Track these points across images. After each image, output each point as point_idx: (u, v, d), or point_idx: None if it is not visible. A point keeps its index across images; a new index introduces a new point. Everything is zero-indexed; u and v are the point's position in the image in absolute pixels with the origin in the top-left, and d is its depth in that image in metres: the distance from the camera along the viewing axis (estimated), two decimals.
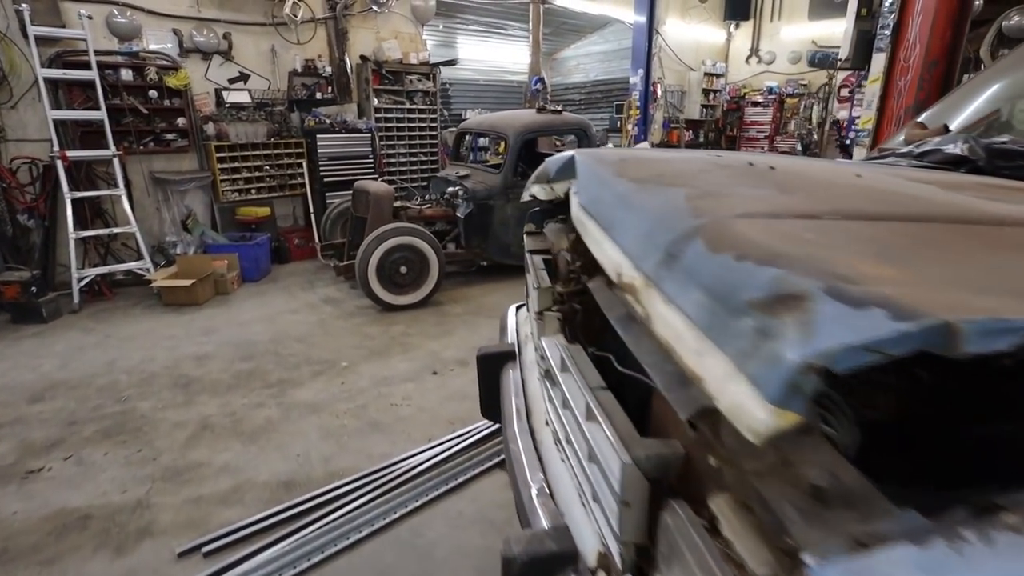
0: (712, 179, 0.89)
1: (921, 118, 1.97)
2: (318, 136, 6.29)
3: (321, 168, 6.38)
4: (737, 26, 10.77)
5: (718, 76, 10.80)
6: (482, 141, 8.32)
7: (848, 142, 5.05)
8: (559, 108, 5.56)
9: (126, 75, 5.30)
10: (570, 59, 12.54)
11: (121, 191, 5.12)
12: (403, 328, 4.45)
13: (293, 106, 6.44)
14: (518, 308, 2.22)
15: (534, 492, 1.07)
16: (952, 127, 1.89)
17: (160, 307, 4.92)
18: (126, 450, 2.85)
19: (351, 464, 2.73)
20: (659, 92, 9.29)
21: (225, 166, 5.89)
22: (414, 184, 7.00)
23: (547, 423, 1.36)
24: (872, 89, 3.04)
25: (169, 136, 5.66)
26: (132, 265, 5.26)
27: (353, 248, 5.23)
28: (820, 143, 9.34)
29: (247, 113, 6.03)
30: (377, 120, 6.88)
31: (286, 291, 5.38)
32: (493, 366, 1.70)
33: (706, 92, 10.75)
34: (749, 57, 10.70)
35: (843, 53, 3.26)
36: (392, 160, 7.22)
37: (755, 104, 10.54)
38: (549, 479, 1.13)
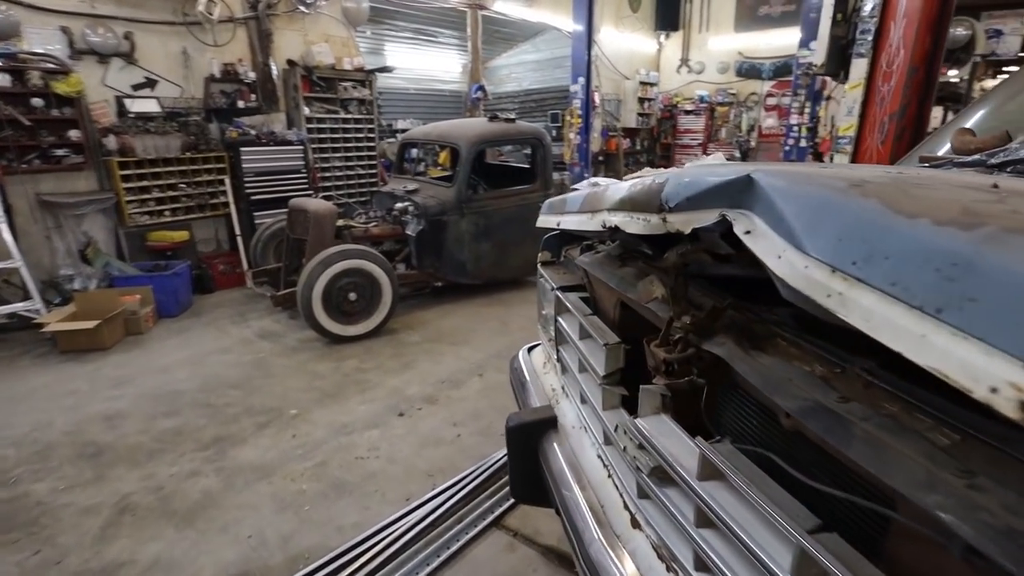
0: None
1: (963, 125, 1.83)
2: (242, 149, 5.63)
3: (247, 185, 5.72)
4: (667, 36, 11.00)
5: (651, 85, 10.96)
6: (414, 152, 7.91)
7: (821, 152, 5.11)
8: (512, 116, 5.26)
9: (2, 80, 4.46)
10: (502, 68, 12.34)
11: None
12: (356, 363, 3.96)
13: (211, 116, 5.75)
14: (531, 350, 1.88)
15: None
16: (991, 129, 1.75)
17: (56, 356, 4.12)
18: (17, 553, 2.22)
19: (317, 542, 2.26)
20: (597, 100, 9.25)
21: (132, 185, 5.12)
22: (353, 200, 6.46)
23: (638, 526, 1.02)
24: (853, 95, 2.98)
25: (59, 152, 4.83)
26: (17, 307, 4.40)
27: (291, 274, 4.67)
28: (755, 150, 9.67)
29: (157, 124, 5.29)
30: (309, 131, 6.30)
31: (214, 326, 4.71)
32: (529, 438, 1.34)
33: (641, 100, 10.88)
34: (680, 67, 10.94)
35: (817, 59, 3.19)
36: (327, 175, 6.65)
37: (687, 112, 10.79)
38: None
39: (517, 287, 5.60)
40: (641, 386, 0.97)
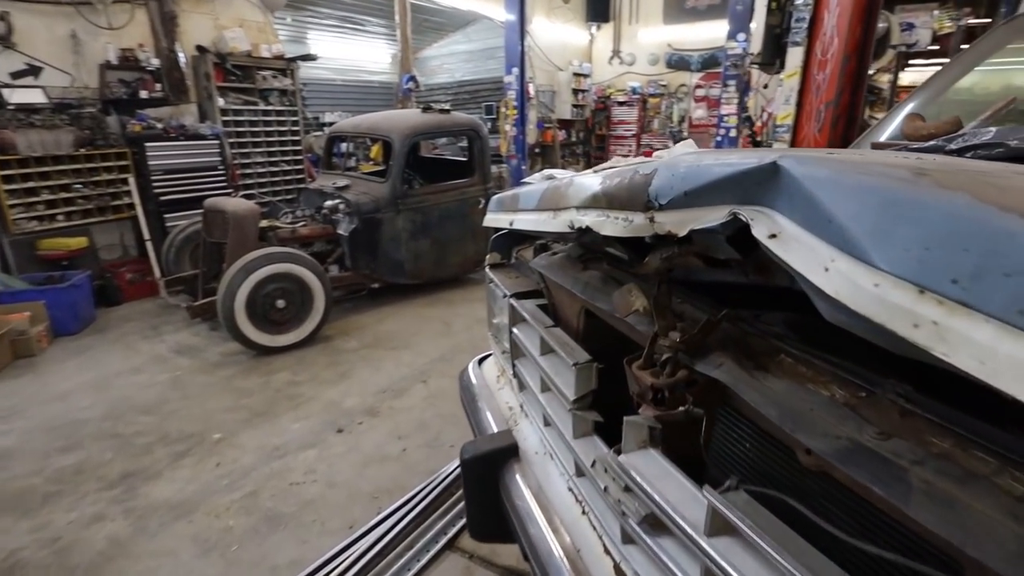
0: None
1: (907, 110, 1.81)
2: (147, 144, 5.08)
3: (155, 184, 5.18)
4: (599, 28, 11.02)
5: (585, 76, 10.97)
6: (344, 146, 7.52)
7: (759, 138, 5.20)
8: (446, 107, 5.03)
9: None
10: (433, 59, 12.00)
11: None
12: (288, 376, 3.65)
13: (109, 107, 5.15)
14: (482, 362, 1.70)
15: None
16: (922, 118, 1.74)
17: None
18: None
19: None
20: (532, 92, 9.13)
21: (15, 187, 4.49)
22: (278, 198, 6.02)
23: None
24: (790, 84, 2.99)
25: None
26: None
27: (209, 281, 4.26)
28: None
29: (43, 117, 4.67)
30: (225, 124, 5.79)
31: (122, 343, 4.22)
32: (487, 470, 1.17)
33: (575, 92, 10.86)
34: (612, 58, 11.01)
35: (754, 47, 3.18)
36: (249, 171, 6.15)
37: (621, 104, 10.88)
38: None
39: (459, 285, 5.40)
40: (625, 418, 0.82)
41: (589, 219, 0.81)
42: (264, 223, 4.31)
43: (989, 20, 4.79)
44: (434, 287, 5.21)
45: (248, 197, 5.46)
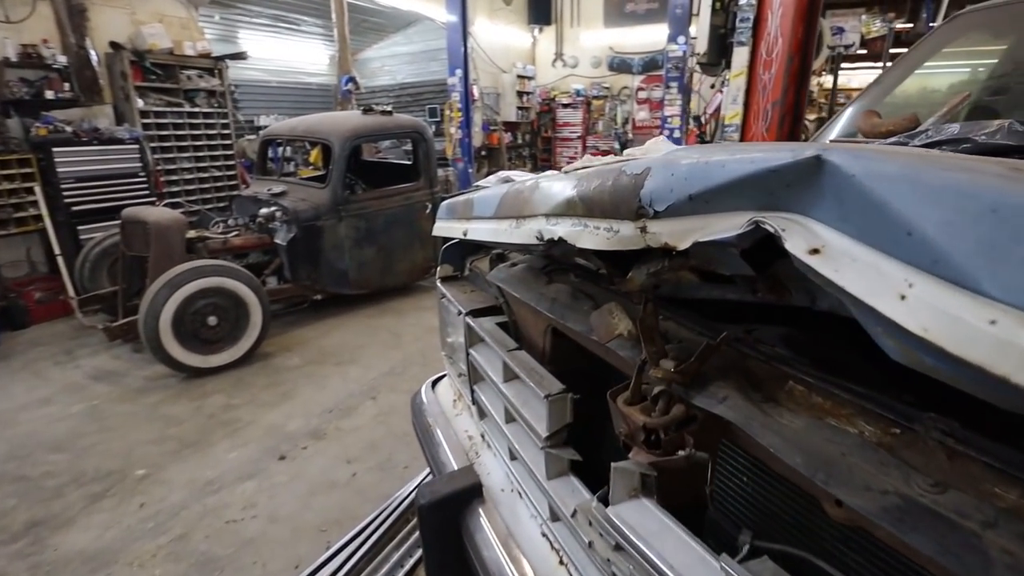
0: None
1: (856, 109, 1.79)
2: (55, 150, 4.61)
3: (66, 193, 4.71)
4: (541, 30, 11.03)
5: (529, 79, 10.94)
6: (280, 150, 7.16)
7: (707, 138, 5.25)
8: (389, 109, 4.83)
9: None
10: (373, 60, 11.66)
11: None
12: (223, 399, 3.36)
13: (9, 109, 4.64)
14: (435, 384, 1.55)
15: None
16: (886, 114, 1.73)
17: None
18: None
19: None
20: (476, 94, 9.00)
21: None
22: (209, 207, 5.63)
23: None
24: (737, 83, 3.00)
25: None
26: None
27: (131, 298, 3.90)
28: (632, 142, 9.98)
29: None
30: (146, 127, 5.35)
31: (29, 371, 3.79)
32: (447, 516, 1.03)
33: (519, 94, 10.82)
34: (555, 60, 11.04)
35: (700, 47, 3.18)
36: (175, 178, 5.72)
37: (565, 106, 10.92)
38: None
39: (408, 293, 5.19)
40: (613, 465, 0.70)
41: (562, 229, 0.69)
42: (192, 233, 3.98)
43: (911, 25, 5.07)
44: (381, 296, 4.99)
45: (173, 206, 5.05)
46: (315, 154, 7.11)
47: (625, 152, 1.11)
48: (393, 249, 4.77)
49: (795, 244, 0.43)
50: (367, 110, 4.83)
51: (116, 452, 2.82)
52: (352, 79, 7.38)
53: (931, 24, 4.95)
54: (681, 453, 0.68)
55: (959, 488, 0.47)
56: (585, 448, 0.95)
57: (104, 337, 3.73)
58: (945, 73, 1.82)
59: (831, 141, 1.83)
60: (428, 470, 1.63)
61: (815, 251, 0.42)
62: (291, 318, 4.59)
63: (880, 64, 5.51)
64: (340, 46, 7.69)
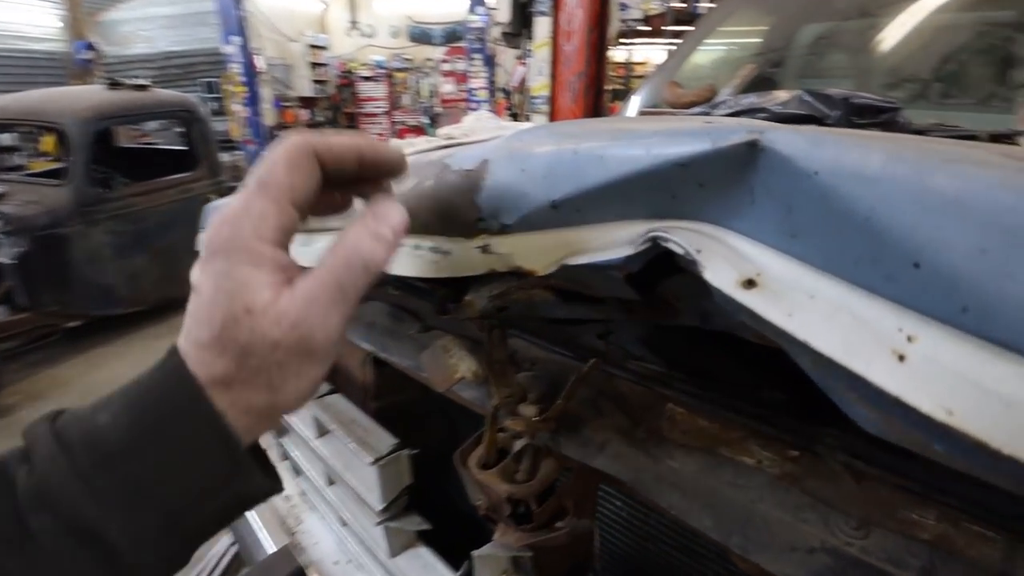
0: None
1: (656, 81, 1.83)
2: None
3: None
4: None
5: (322, 49, 10.02)
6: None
7: (516, 112, 5.20)
8: (144, 83, 3.95)
9: None
10: (122, 23, 9.64)
11: None
12: None
13: None
14: None
15: None
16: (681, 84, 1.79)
17: None
18: None
19: None
20: (262, 65, 7.94)
21: None
22: None
23: None
24: (542, 54, 2.96)
25: None
26: None
27: None
28: (441, 115, 9.73)
29: None
30: None
31: None
32: None
33: (313, 66, 9.87)
34: (350, 30, 10.26)
35: (502, 17, 3.08)
36: None
37: (366, 79, 10.26)
38: None
39: None
40: (474, 553, 0.52)
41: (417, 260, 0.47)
42: None
43: (685, 4, 5.64)
44: (168, 310, 4.14)
45: None
46: (49, 141, 5.65)
47: (441, 133, 0.90)
48: (173, 252, 3.95)
49: (718, 273, 0.27)
50: (114, 84, 3.88)
51: None
52: (90, 45, 5.96)
53: (696, 3, 5.59)
54: (560, 526, 0.52)
55: (881, 524, 0.39)
56: (443, 475, 0.77)
57: None
58: (727, 48, 1.94)
59: (640, 111, 1.84)
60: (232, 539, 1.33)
61: (750, 283, 0.27)
62: (38, 356, 3.58)
63: (661, 41, 6.07)
64: (71, 4, 6.14)
